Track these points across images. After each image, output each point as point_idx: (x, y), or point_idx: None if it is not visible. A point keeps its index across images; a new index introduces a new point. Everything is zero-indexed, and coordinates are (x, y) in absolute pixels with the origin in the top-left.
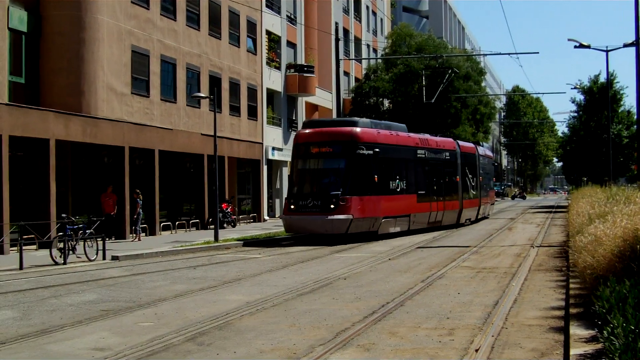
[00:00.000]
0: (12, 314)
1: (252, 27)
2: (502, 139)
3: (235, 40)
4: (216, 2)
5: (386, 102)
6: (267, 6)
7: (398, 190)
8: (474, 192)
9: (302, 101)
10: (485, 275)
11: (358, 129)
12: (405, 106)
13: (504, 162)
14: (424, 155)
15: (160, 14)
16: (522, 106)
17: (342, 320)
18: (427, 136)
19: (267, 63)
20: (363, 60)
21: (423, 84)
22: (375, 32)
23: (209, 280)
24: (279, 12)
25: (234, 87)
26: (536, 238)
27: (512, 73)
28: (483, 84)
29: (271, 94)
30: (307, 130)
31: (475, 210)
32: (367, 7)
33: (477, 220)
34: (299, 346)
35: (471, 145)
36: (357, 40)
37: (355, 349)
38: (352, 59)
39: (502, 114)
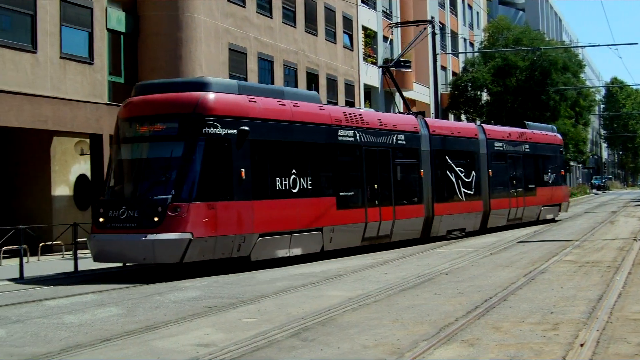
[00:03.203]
0: (117, 310)
1: (348, 23)
2: (602, 132)
3: (331, 36)
4: None
5: (484, 96)
6: (362, 2)
7: (296, 191)
8: (469, 193)
9: (399, 96)
10: (588, 269)
11: (210, 95)
12: (503, 99)
13: (604, 154)
14: (352, 139)
15: (257, 12)
16: (620, 98)
17: (445, 315)
18: (364, 110)
19: (364, 59)
20: (460, 55)
21: (520, 77)
22: (471, 26)
23: (310, 277)
24: (374, 8)
25: (332, 83)
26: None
27: (611, 65)
28: (582, 76)
29: (368, 89)
30: (133, 99)
31: (472, 218)
32: (463, 1)
33: (485, 230)
34: (402, 341)
35: (468, 125)
36: (454, 34)
37: (459, 344)
38: (449, 53)
39: (602, 106)
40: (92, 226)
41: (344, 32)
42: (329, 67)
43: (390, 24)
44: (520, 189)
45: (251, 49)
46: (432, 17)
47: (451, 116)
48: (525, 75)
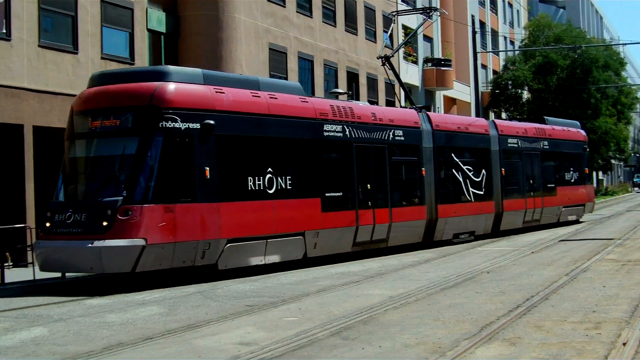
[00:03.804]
0: (159, 309)
1: (388, 22)
2: None
3: (371, 35)
4: None
5: (525, 94)
6: (402, 0)
7: (272, 192)
8: (479, 193)
9: (440, 95)
10: (631, 267)
11: (169, 85)
12: (543, 97)
13: None
14: (341, 135)
15: (297, 11)
16: None
17: (486, 314)
18: (356, 103)
19: (404, 58)
20: (500, 53)
21: (561, 75)
22: (512, 24)
23: (351, 275)
24: (414, 6)
25: (372, 82)
26: None
27: None
28: (623, 74)
29: (409, 88)
30: (87, 91)
31: (483, 220)
32: None
33: (496, 234)
34: (444, 340)
35: (477, 121)
36: (494, 33)
37: (501, 342)
38: (489, 52)
39: None
40: (39, 231)
41: (384, 31)
42: (369, 66)
43: (393, 12)
44: (538, 189)
45: (291, 49)
46: (473, 16)
47: (492, 114)
48: (566, 74)
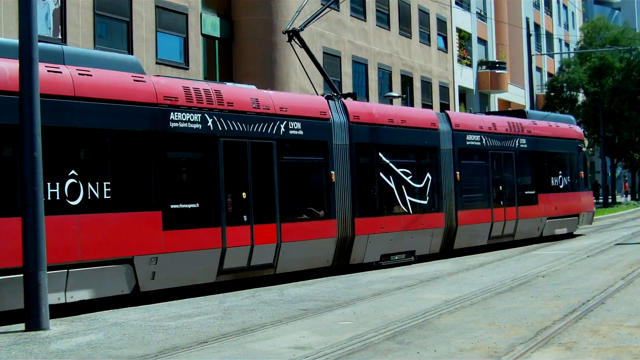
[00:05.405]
0: (214, 313)
1: (442, 25)
2: None
3: (425, 38)
4: (406, 1)
5: (580, 97)
6: (456, 3)
7: (77, 203)
8: (420, 203)
9: (494, 98)
10: None
11: None
12: (598, 100)
13: None
14: (199, 127)
15: (350, 15)
16: None
17: (542, 318)
18: (229, 85)
19: (459, 61)
20: (555, 55)
21: (617, 77)
22: (566, 26)
23: (406, 280)
24: (468, 9)
25: (426, 85)
26: None
27: None
28: None
29: (463, 91)
30: None
31: (427, 237)
32: (558, 1)
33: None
34: (499, 345)
35: (419, 112)
36: (549, 35)
37: (557, 347)
38: (544, 54)
39: None
40: None
41: (438, 34)
42: (424, 70)
43: None
44: (511, 197)
45: (345, 52)
46: (527, 18)
47: None
48: (622, 76)
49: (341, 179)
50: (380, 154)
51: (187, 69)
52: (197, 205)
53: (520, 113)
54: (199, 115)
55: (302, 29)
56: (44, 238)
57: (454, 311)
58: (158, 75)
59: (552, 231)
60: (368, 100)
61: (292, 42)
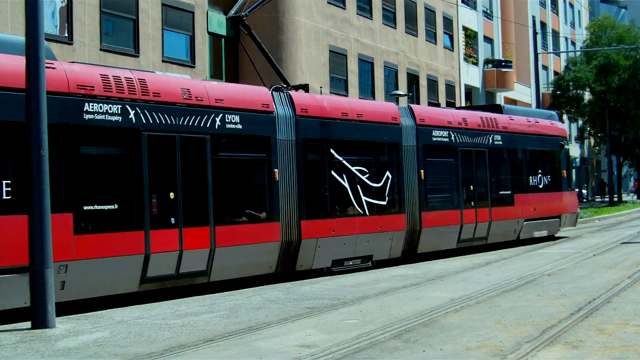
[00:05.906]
0: (220, 312)
1: (448, 23)
2: None
3: (431, 37)
4: None
5: (586, 95)
6: (462, 2)
7: None
8: (379, 204)
9: (500, 96)
10: None
11: None
12: (605, 99)
13: None
14: (118, 119)
15: (357, 13)
16: None
17: (547, 317)
18: (156, 74)
19: (465, 59)
20: (561, 54)
21: (623, 75)
22: (572, 25)
23: (412, 278)
24: (474, 7)
25: (432, 84)
26: None
27: None
28: None
29: (469, 90)
30: None
31: (386, 240)
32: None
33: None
34: (505, 343)
35: (379, 106)
36: (555, 33)
37: (563, 346)
38: (551, 53)
39: None
40: None
41: (444, 33)
42: (430, 68)
43: None
44: (483, 198)
45: (351, 51)
46: (534, 17)
47: None
48: (628, 74)
49: (286, 177)
50: (332, 151)
51: (194, 67)
52: (116, 206)
53: (496, 108)
54: (119, 106)
55: (246, 15)
56: (50, 236)
57: (459, 310)
58: (73, 62)
59: (531, 234)
60: (374, 99)
61: (239, 28)
